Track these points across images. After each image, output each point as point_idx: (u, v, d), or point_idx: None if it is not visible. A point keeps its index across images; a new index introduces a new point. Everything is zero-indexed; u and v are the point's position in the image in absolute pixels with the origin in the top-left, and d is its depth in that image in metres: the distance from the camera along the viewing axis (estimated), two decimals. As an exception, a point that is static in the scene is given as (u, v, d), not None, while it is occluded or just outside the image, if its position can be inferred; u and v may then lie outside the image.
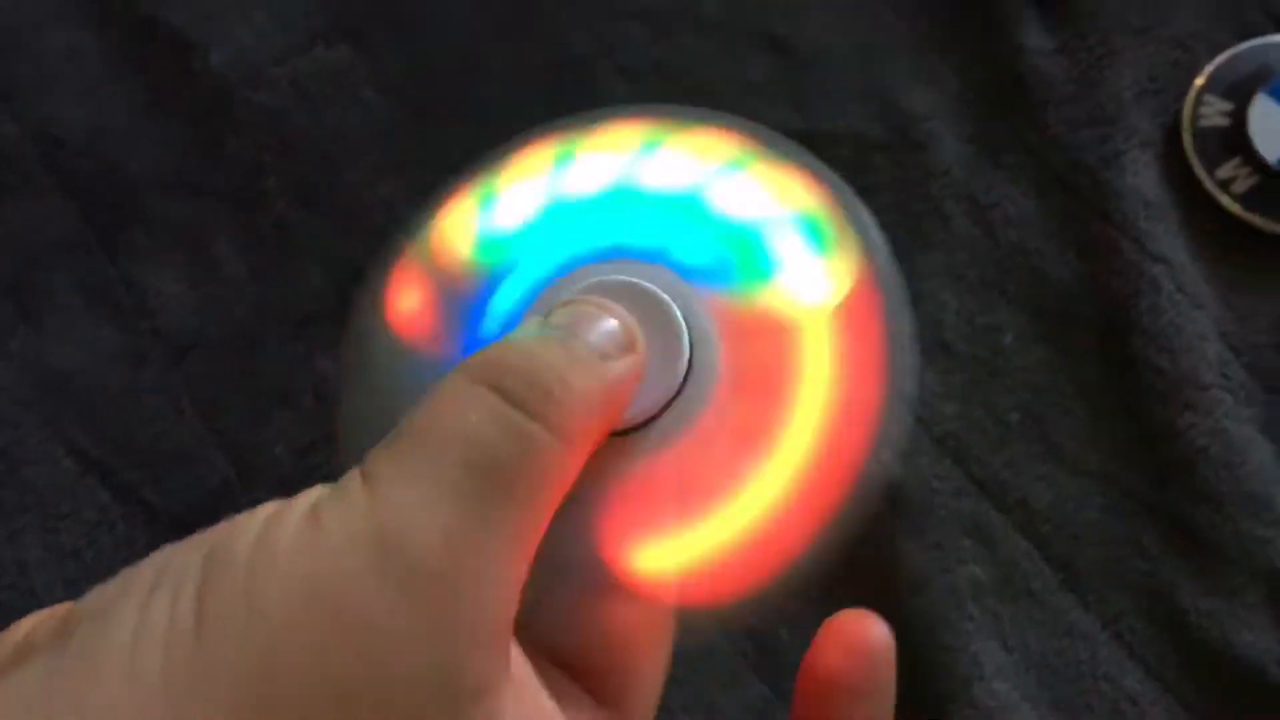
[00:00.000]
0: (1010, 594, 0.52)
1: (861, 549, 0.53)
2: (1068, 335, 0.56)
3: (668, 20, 0.66)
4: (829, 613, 0.53)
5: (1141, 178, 0.58)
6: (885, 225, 0.61)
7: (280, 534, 0.29)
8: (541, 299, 0.33)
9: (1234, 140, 0.59)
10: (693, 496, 0.32)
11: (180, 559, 0.29)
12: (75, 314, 0.60)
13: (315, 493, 0.30)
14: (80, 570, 0.55)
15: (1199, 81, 0.60)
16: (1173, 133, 0.59)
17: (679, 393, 0.32)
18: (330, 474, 0.60)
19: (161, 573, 0.29)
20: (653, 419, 0.32)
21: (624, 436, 0.32)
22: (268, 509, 0.30)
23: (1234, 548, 0.52)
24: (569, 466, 0.30)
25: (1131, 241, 0.57)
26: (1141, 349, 0.54)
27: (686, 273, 0.33)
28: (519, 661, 0.31)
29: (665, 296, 0.33)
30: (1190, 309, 0.55)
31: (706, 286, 0.33)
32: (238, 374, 0.58)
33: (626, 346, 0.32)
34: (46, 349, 0.59)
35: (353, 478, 0.29)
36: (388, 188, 0.60)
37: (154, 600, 0.28)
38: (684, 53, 0.65)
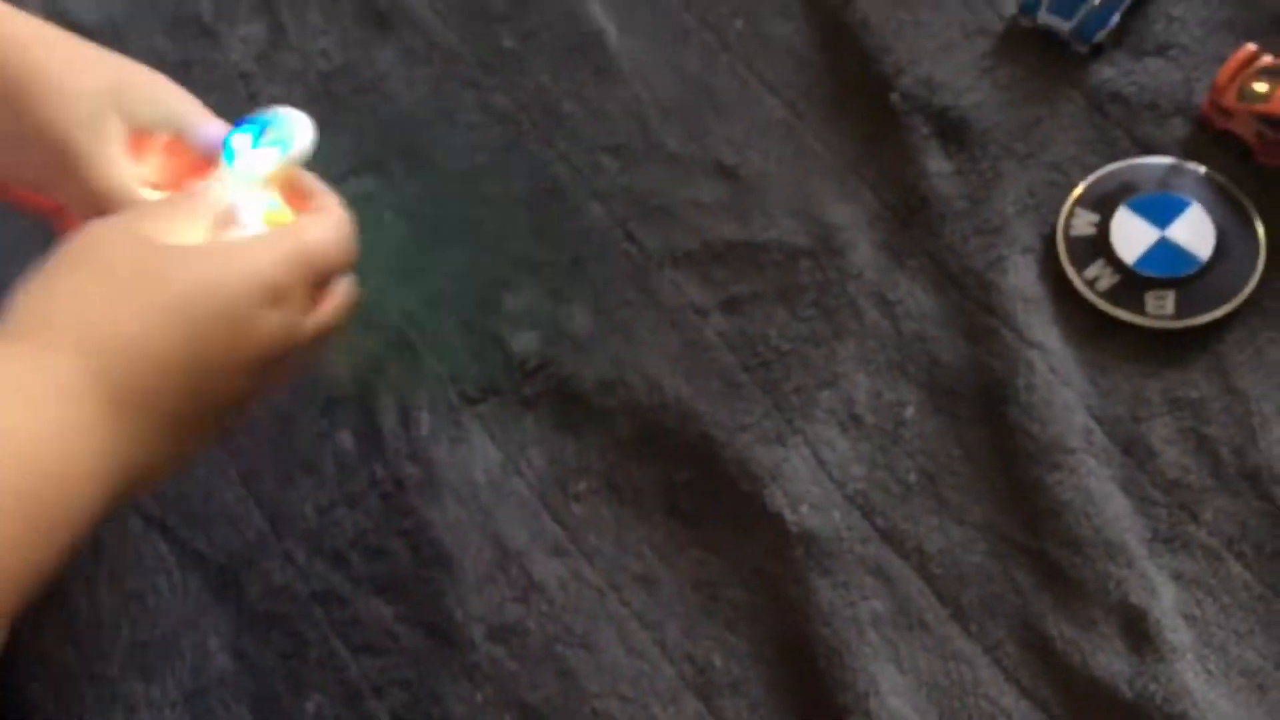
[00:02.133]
0: (905, 624, 0.63)
1: (778, 586, 0.64)
2: (957, 408, 0.67)
3: (635, 154, 0.79)
4: (756, 637, 0.64)
5: (1021, 278, 0.70)
6: (808, 319, 0.73)
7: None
8: None
9: (1099, 246, 0.70)
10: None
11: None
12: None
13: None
14: (142, 609, 0.67)
15: (1072, 197, 0.72)
16: (1049, 240, 0.71)
17: None
18: (347, 530, 0.72)
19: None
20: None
21: None
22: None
23: (1094, 585, 0.62)
24: None
25: (1011, 331, 0.68)
26: (1018, 418, 0.65)
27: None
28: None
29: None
30: (1060, 387, 0.66)
31: None
32: (272, 446, 0.71)
33: None
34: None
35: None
36: (399, 293, 0.73)
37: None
38: (648, 179, 0.78)
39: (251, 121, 0.54)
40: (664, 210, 0.73)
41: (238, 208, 0.49)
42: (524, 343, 0.69)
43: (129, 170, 0.50)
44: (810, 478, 0.64)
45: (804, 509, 0.63)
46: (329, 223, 0.50)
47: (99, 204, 0.49)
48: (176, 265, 0.45)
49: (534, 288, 0.70)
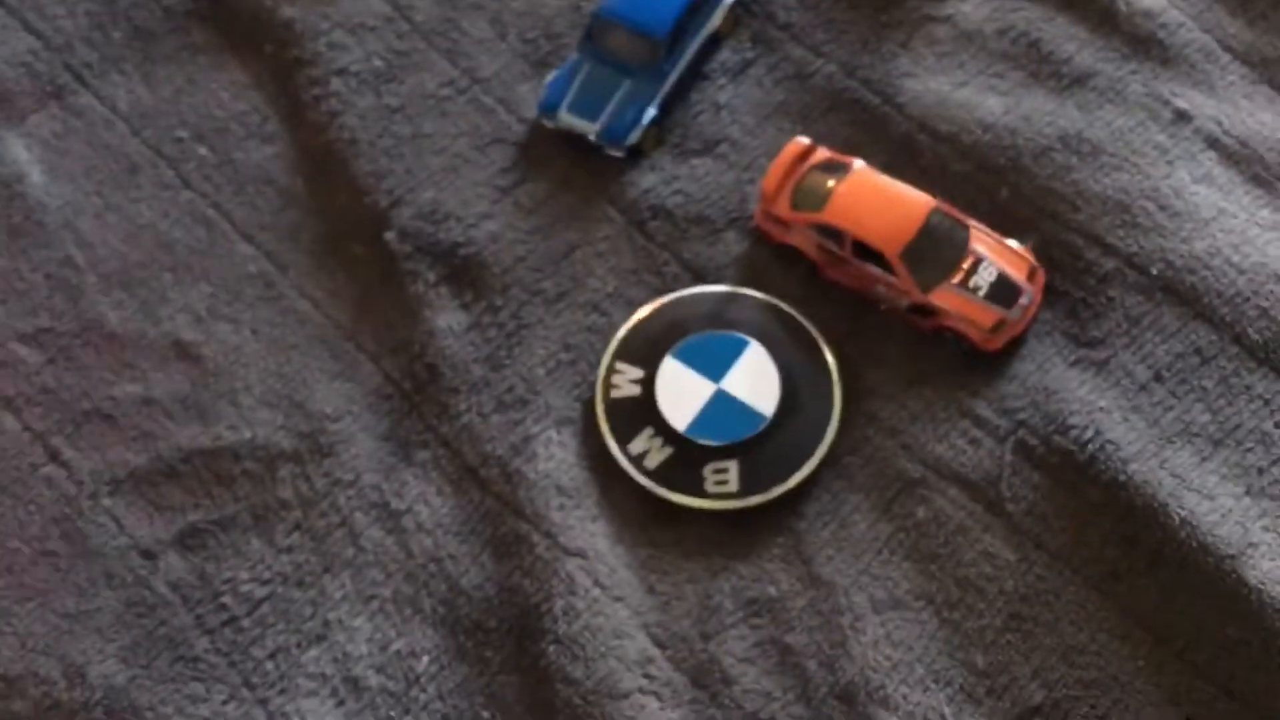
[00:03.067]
0: None
1: None
2: (485, 650, 0.52)
3: (64, 338, 0.60)
4: None
5: (555, 461, 0.55)
6: (290, 549, 0.56)
7: None
8: None
9: (645, 410, 0.56)
10: None
11: None
12: None
13: None
14: None
15: (611, 349, 0.58)
16: (589, 406, 0.56)
17: None
18: None
19: None
20: None
21: None
22: None
23: None
24: None
25: (544, 536, 0.53)
26: (556, 659, 0.50)
27: None
28: None
29: None
30: (609, 604, 0.52)
31: None
32: None
33: None
34: None
35: None
36: None
37: None
38: (81, 374, 0.59)
39: None
40: (101, 414, 0.54)
41: None
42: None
43: None
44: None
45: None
46: None
47: None
48: None
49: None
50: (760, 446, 0.52)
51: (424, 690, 0.49)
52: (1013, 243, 0.63)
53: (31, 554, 0.51)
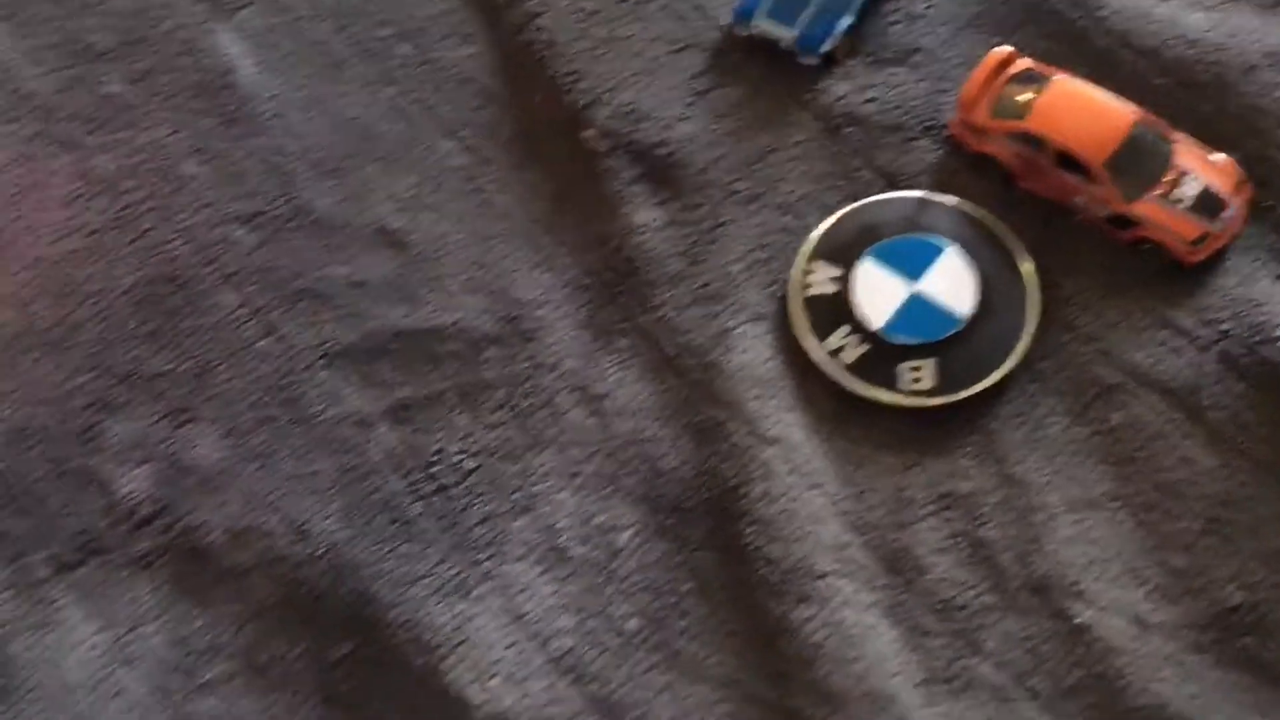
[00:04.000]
0: (631, 828, 0.49)
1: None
2: (684, 529, 0.54)
3: (277, 222, 0.63)
4: None
5: (751, 354, 0.57)
6: (497, 425, 0.59)
7: None
8: None
9: (841, 308, 0.57)
10: None
11: None
12: None
13: None
14: None
15: (806, 249, 0.59)
16: (784, 303, 0.58)
17: None
18: None
19: None
20: None
21: None
22: None
23: (860, 749, 0.49)
24: None
25: (742, 424, 0.55)
26: (754, 539, 0.52)
27: None
28: None
29: None
30: (805, 490, 0.53)
31: None
32: None
33: None
34: None
35: None
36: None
37: None
38: (293, 255, 0.62)
39: None
40: (313, 294, 0.56)
41: None
42: (134, 483, 0.52)
43: None
44: (503, 638, 0.49)
45: (495, 683, 0.48)
46: None
47: None
48: None
49: (147, 409, 0.53)
50: (955, 347, 0.53)
51: (625, 562, 0.51)
52: (1219, 156, 0.63)
53: (253, 419, 0.54)
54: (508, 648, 0.56)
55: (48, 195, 0.63)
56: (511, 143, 0.67)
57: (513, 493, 0.57)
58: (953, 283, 0.62)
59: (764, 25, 0.70)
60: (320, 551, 0.56)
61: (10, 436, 0.58)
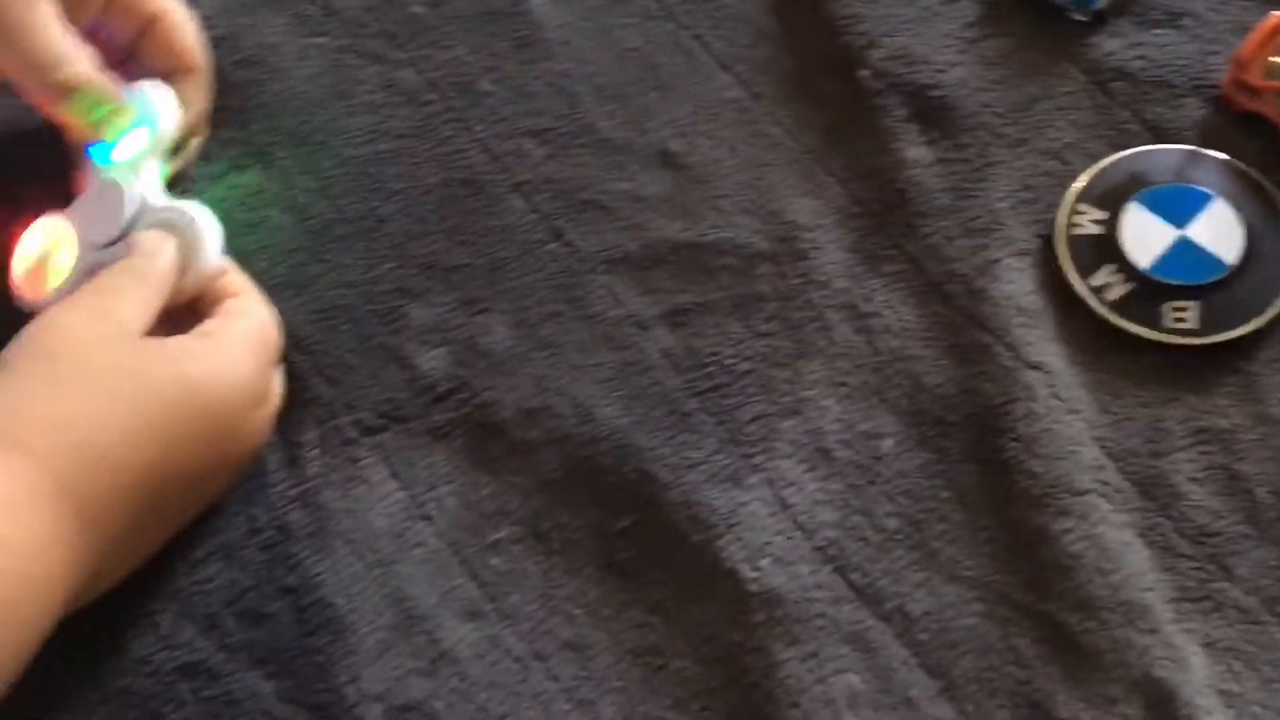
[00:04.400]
0: (887, 703, 0.52)
1: (735, 655, 0.53)
2: (945, 441, 0.57)
3: (564, 138, 0.67)
4: (709, 718, 0.53)
5: (1016, 285, 0.60)
6: (768, 334, 0.62)
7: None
8: None
9: (1107, 248, 0.60)
10: None
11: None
12: None
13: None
14: None
15: (1074, 191, 0.61)
16: (1048, 241, 0.61)
17: None
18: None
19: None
20: None
21: None
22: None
23: (1110, 656, 0.52)
24: None
25: (1006, 348, 0.58)
26: (1016, 454, 0.55)
27: None
28: None
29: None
30: (1065, 414, 0.56)
31: None
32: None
33: None
34: None
35: None
36: (285, 307, 0.61)
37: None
38: (579, 168, 0.67)
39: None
40: (597, 205, 0.61)
41: (140, 196, 0.50)
42: (433, 362, 0.58)
43: (65, 36, 0.49)
44: (772, 525, 0.53)
45: (765, 563, 0.52)
46: (265, 308, 0.52)
47: (36, 72, 0.48)
48: (164, 369, 0.43)
49: (445, 297, 0.59)
50: (1219, 291, 0.55)
51: (888, 467, 0.54)
52: None
53: (540, 313, 0.58)
54: (776, 534, 0.57)
55: (356, 102, 0.67)
56: (784, 79, 0.68)
57: (783, 396, 0.57)
58: (1220, 230, 0.60)
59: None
60: (604, 433, 0.57)
61: (321, 314, 0.61)
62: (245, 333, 0.48)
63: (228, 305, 0.51)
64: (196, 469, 0.44)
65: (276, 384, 0.53)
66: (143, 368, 0.43)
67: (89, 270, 0.50)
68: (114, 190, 0.51)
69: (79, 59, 0.50)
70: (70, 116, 0.51)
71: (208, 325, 0.46)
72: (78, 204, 0.52)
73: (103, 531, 0.41)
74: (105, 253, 0.50)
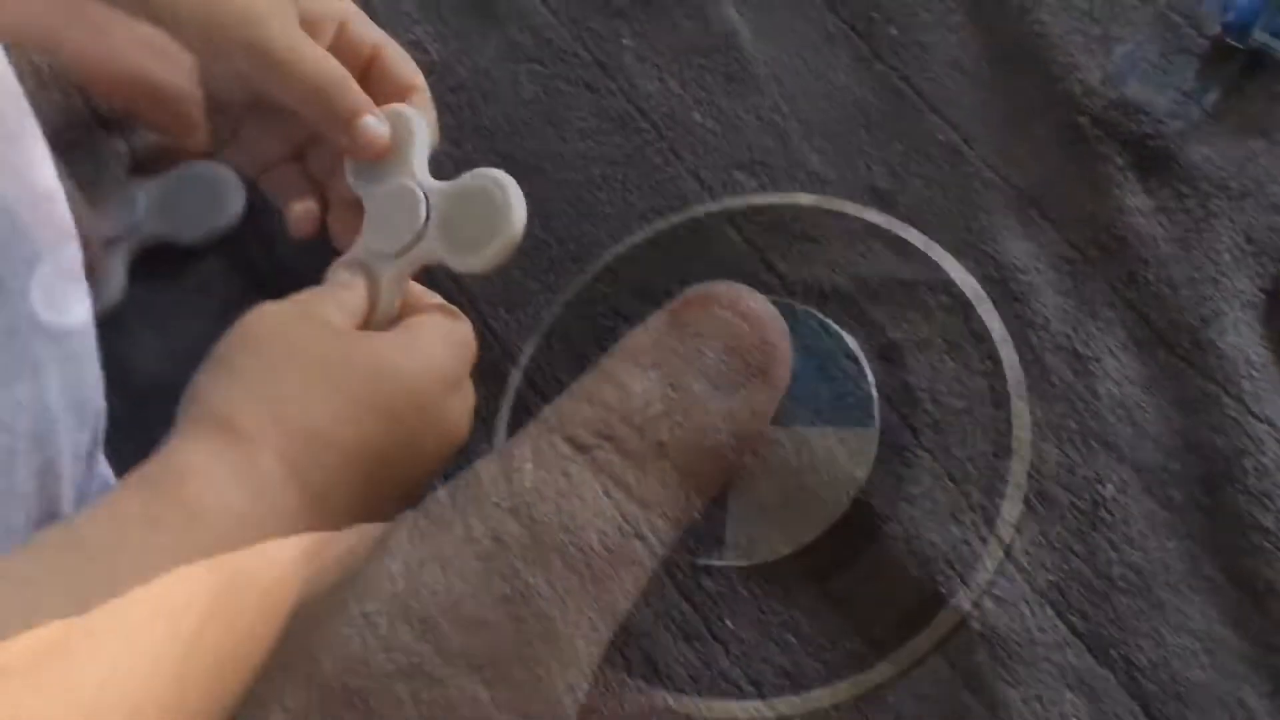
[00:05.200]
0: (1114, 752, 0.52)
1: (963, 695, 0.53)
2: (1169, 490, 0.56)
3: (774, 172, 0.68)
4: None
5: (1243, 337, 0.59)
6: (984, 373, 0.62)
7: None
8: None
9: (1336, 303, 0.59)
10: None
11: None
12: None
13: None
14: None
15: (1299, 244, 0.61)
16: (1273, 296, 0.60)
17: None
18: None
19: None
20: None
21: None
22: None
23: (1344, 715, 0.51)
24: None
25: (1233, 400, 0.57)
26: (1245, 507, 0.54)
27: None
28: None
29: None
30: (1295, 471, 0.55)
31: None
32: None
33: None
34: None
35: None
36: (499, 321, 0.63)
37: None
38: (789, 202, 0.67)
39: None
40: (808, 238, 0.62)
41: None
42: (646, 383, 0.58)
43: (319, 53, 0.50)
44: (992, 564, 0.53)
45: (987, 603, 0.52)
46: (462, 316, 0.53)
47: (296, 89, 0.49)
48: (364, 354, 0.45)
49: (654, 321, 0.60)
50: None
51: (1110, 513, 0.54)
52: None
53: (758, 343, 0.58)
54: (997, 573, 0.57)
55: (569, 128, 0.68)
56: (996, 123, 0.68)
57: (1000, 435, 0.58)
58: None
59: (1262, 38, 0.70)
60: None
61: (537, 333, 0.63)
62: (439, 326, 0.49)
63: (424, 310, 0.52)
64: (400, 452, 0.45)
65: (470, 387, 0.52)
66: (344, 353, 0.45)
67: (397, 278, 0.51)
68: (409, 196, 0.52)
69: (354, 82, 0.51)
70: (358, 137, 0.52)
71: (406, 322, 0.49)
72: (367, 220, 0.53)
73: (322, 512, 0.42)
74: (403, 260, 0.51)
